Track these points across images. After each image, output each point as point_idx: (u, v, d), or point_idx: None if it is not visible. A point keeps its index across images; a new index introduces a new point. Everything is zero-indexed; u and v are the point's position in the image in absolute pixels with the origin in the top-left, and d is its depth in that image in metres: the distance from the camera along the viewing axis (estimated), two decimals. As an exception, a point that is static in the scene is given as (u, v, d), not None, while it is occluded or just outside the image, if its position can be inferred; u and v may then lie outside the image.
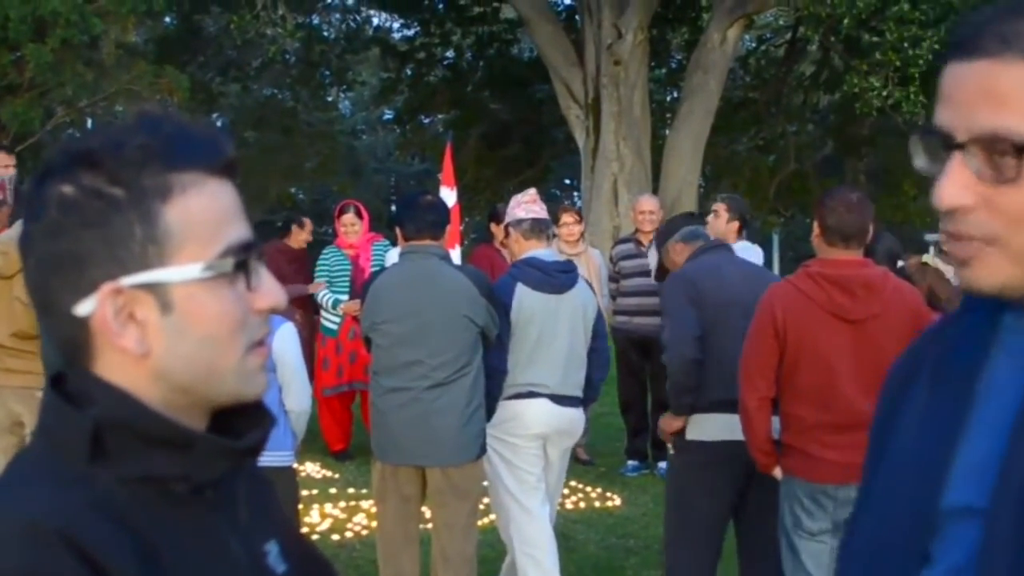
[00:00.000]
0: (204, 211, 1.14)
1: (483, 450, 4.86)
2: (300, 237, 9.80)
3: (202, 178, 1.15)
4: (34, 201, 1.14)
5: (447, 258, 4.90)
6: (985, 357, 1.23)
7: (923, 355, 1.33)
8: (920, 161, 1.21)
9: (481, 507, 5.25)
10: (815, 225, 4.24)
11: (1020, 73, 1.12)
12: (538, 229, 5.33)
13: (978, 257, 1.16)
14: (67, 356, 1.17)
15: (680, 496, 4.77)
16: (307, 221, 9.98)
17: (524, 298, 5.06)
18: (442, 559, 4.87)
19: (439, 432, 4.72)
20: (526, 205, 5.40)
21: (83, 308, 1.12)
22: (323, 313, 8.70)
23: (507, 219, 5.46)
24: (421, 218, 4.83)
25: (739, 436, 4.39)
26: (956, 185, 1.15)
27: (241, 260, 1.16)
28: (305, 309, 8.89)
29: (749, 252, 6.95)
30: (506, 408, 5.06)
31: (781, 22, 24.03)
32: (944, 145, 1.16)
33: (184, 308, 1.13)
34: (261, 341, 1.20)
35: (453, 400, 4.72)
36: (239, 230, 1.17)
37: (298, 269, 9.04)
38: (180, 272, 1.13)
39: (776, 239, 28.31)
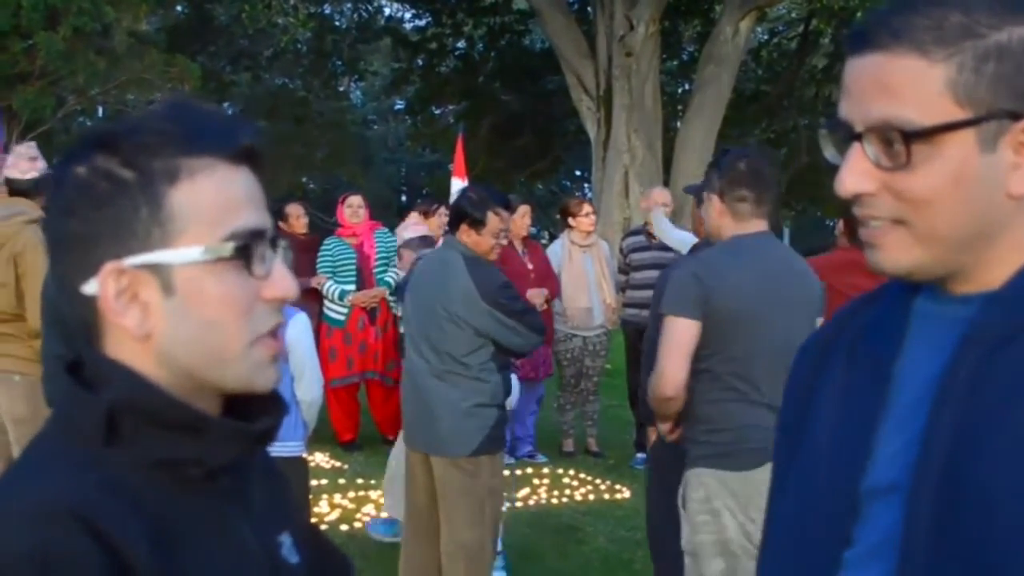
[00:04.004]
0: (211, 196, 1.15)
1: (484, 447, 4.82)
2: (297, 225, 9.58)
3: (214, 164, 1.16)
4: (56, 181, 1.17)
5: (469, 256, 4.79)
6: (900, 341, 1.27)
7: (838, 335, 1.37)
8: (829, 153, 1.28)
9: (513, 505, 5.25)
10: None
11: (908, 64, 1.17)
12: (425, 245, 6.09)
13: (887, 239, 1.22)
14: (81, 336, 1.19)
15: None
16: (288, 211, 9.68)
17: None
18: (443, 550, 4.88)
19: (435, 422, 4.76)
20: (413, 227, 6.28)
21: (89, 287, 1.14)
22: (327, 304, 8.67)
23: (399, 241, 6.20)
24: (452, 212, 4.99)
25: None
26: (856, 173, 1.21)
27: (242, 245, 1.16)
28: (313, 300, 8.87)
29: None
30: None
31: (794, 15, 23.95)
32: (847, 136, 1.23)
33: (186, 291, 1.15)
34: (273, 333, 1.20)
35: (449, 393, 4.74)
36: (249, 217, 1.17)
37: (312, 259, 8.97)
38: (181, 254, 1.14)
39: (787, 232, 28.29)
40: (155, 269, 1.14)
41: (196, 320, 1.15)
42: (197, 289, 1.14)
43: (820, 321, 3.78)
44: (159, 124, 1.15)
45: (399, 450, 6.28)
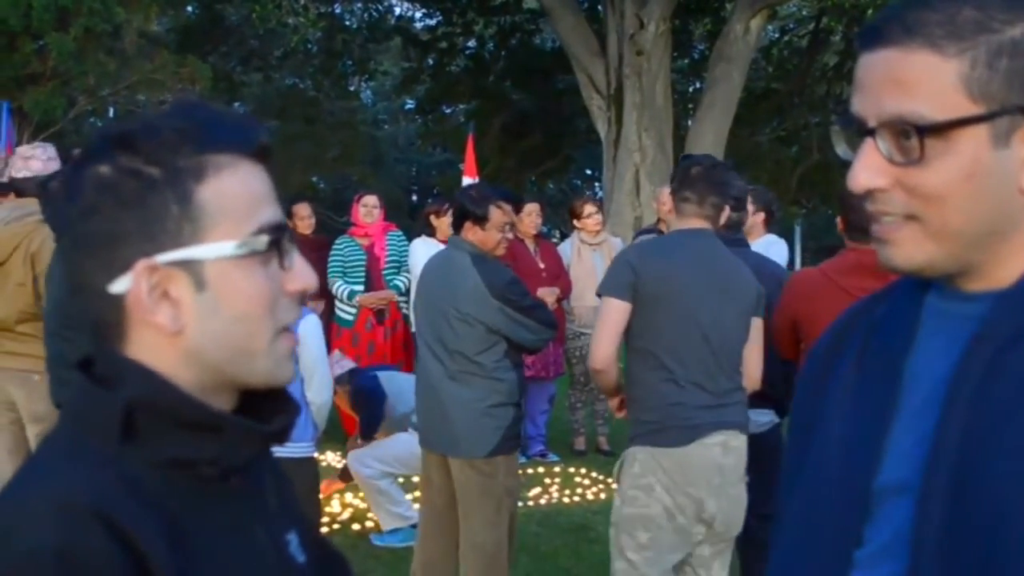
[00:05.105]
0: (238, 191, 1.17)
1: (500, 447, 4.80)
2: (302, 225, 9.57)
3: (235, 160, 1.17)
4: (70, 183, 1.16)
5: (475, 254, 4.79)
6: (911, 339, 1.27)
7: (848, 333, 1.37)
8: (841, 149, 1.28)
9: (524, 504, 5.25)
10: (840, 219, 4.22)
11: (922, 59, 1.17)
12: (354, 378, 6.60)
13: (899, 235, 1.21)
14: (98, 337, 1.19)
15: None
16: (295, 210, 9.67)
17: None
18: (460, 551, 4.88)
19: (452, 423, 4.75)
20: (340, 363, 6.67)
21: (118, 286, 1.14)
22: (337, 304, 8.66)
23: None
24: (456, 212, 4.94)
25: None
26: (868, 168, 1.21)
27: (275, 239, 1.18)
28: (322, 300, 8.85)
29: (775, 247, 6.88)
30: None
31: (804, 12, 23.91)
32: (859, 132, 1.22)
33: (217, 286, 1.15)
34: (289, 327, 1.21)
35: (464, 394, 4.73)
36: (272, 212, 1.19)
37: (322, 257, 8.96)
38: (214, 249, 1.15)
39: (798, 230, 28.24)
40: (186, 265, 1.14)
41: (226, 315, 1.16)
42: (228, 284, 1.15)
43: (758, 322, 4.21)
44: (175, 122, 1.16)
45: (366, 472, 6.31)
